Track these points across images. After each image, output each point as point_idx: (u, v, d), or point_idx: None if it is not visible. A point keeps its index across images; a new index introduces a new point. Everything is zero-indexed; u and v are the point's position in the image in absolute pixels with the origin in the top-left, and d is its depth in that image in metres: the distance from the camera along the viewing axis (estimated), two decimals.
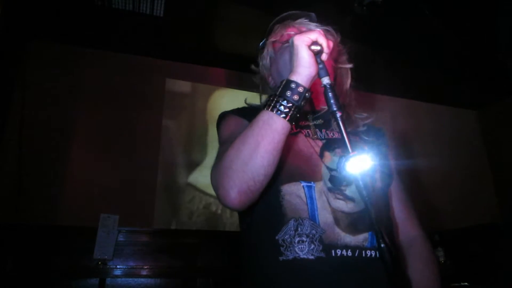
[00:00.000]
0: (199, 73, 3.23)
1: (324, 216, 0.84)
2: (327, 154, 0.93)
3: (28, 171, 2.44)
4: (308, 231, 0.82)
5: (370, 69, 3.10)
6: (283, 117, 0.77)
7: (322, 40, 0.80)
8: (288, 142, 0.92)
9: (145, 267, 2.42)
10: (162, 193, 2.81)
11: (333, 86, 0.78)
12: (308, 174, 0.89)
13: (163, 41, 2.92)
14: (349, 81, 1.06)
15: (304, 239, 0.81)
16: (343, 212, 0.86)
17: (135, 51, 3.00)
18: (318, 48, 0.80)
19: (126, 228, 2.50)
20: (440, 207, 3.35)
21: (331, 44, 0.82)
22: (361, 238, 0.84)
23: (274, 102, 0.78)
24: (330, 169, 0.89)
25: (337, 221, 0.84)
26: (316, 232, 0.82)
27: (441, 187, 3.50)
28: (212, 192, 2.91)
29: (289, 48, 0.85)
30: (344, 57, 1.07)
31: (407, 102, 3.84)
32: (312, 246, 0.81)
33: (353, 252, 0.82)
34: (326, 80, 0.78)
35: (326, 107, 1.00)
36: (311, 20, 1.04)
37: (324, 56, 0.81)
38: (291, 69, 0.81)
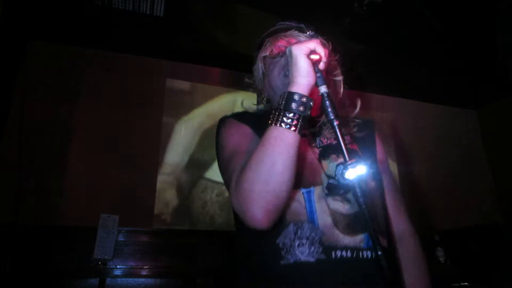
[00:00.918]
0: (199, 73, 3.23)
1: (323, 219, 0.86)
2: (323, 161, 0.95)
3: (28, 171, 2.43)
4: (308, 233, 0.83)
5: (370, 69, 3.11)
6: (293, 130, 0.77)
7: (320, 49, 0.81)
8: None
9: (145, 267, 2.42)
10: (162, 193, 2.81)
11: (330, 94, 0.78)
12: (308, 180, 0.90)
13: (163, 41, 2.92)
14: (341, 91, 1.07)
15: (304, 241, 0.82)
16: (341, 213, 0.87)
17: (135, 51, 3.00)
18: (317, 57, 0.81)
19: (126, 228, 2.50)
20: (440, 207, 3.35)
21: (326, 52, 0.83)
22: (358, 239, 0.85)
23: (280, 116, 0.78)
24: (328, 176, 0.91)
25: (335, 223, 0.86)
26: (316, 234, 0.83)
27: (441, 187, 3.50)
28: (212, 192, 2.92)
29: (285, 57, 0.86)
30: (337, 70, 1.06)
31: (407, 102, 3.84)
32: (312, 248, 0.82)
33: (352, 253, 0.83)
34: (323, 89, 0.79)
35: (319, 115, 1.02)
36: (301, 31, 1.03)
37: (321, 65, 0.82)
38: (289, 79, 0.81)
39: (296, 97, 0.78)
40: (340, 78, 1.05)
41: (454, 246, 2.86)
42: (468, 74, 3.33)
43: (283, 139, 0.76)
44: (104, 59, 2.94)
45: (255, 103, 1.13)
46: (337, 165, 0.74)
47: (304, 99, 0.78)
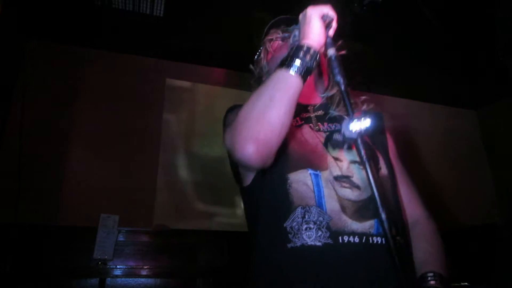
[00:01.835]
0: (199, 73, 3.23)
1: (331, 204, 0.85)
2: (330, 145, 0.95)
3: (28, 171, 2.43)
4: (316, 218, 0.83)
5: (370, 69, 3.11)
6: (297, 74, 0.80)
7: (332, 14, 0.86)
8: (294, 133, 0.96)
9: (145, 267, 2.43)
10: (162, 193, 2.80)
11: (338, 57, 0.82)
12: (315, 163, 0.90)
13: (163, 41, 2.92)
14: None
15: (312, 226, 0.82)
16: (349, 200, 0.87)
17: (135, 51, 3.00)
18: (329, 19, 0.86)
19: (126, 228, 2.50)
20: (440, 207, 3.35)
21: (335, 24, 0.88)
22: (368, 225, 0.85)
23: (287, 62, 0.82)
24: (335, 158, 0.91)
25: (343, 209, 0.85)
26: (323, 219, 0.83)
27: (441, 187, 3.50)
28: (212, 192, 2.92)
29: (292, 37, 0.93)
30: (342, 45, 1.09)
31: (407, 102, 3.84)
32: (320, 232, 0.82)
33: (360, 238, 0.82)
34: (331, 51, 0.83)
35: (324, 95, 1.05)
36: None
37: (331, 31, 0.87)
38: (301, 36, 0.85)
39: (304, 48, 0.82)
40: (344, 52, 1.07)
41: (454, 246, 2.85)
42: (468, 74, 3.33)
43: (284, 80, 0.80)
44: (104, 59, 2.94)
45: None
46: (344, 120, 0.76)
47: (312, 51, 0.82)
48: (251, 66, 1.17)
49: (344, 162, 0.91)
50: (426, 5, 2.44)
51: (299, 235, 0.82)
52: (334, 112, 1.03)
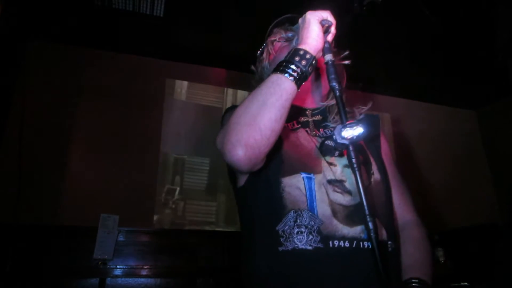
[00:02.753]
0: (199, 73, 3.23)
1: (322, 208, 0.86)
2: (324, 150, 0.95)
3: (28, 171, 2.43)
4: (307, 222, 0.84)
5: (370, 69, 3.11)
6: (291, 79, 0.80)
7: (332, 19, 0.87)
8: (290, 137, 0.96)
9: (145, 267, 2.43)
10: (162, 193, 2.81)
11: (334, 62, 0.83)
12: (308, 166, 0.91)
13: (163, 41, 2.92)
14: (344, 77, 1.08)
15: (303, 230, 0.83)
16: (340, 204, 0.87)
17: (135, 51, 3.00)
18: (328, 23, 0.86)
19: (126, 228, 2.50)
20: (440, 207, 3.35)
21: (334, 30, 0.88)
22: (359, 230, 0.85)
23: (282, 66, 0.82)
24: (329, 163, 0.92)
25: (334, 213, 0.86)
26: (315, 223, 0.83)
27: (441, 187, 3.50)
28: (212, 192, 2.92)
29: (295, 39, 0.92)
30: (343, 54, 1.08)
31: (407, 102, 3.84)
32: (310, 237, 0.82)
33: (351, 243, 0.83)
34: (328, 57, 0.83)
35: (324, 104, 1.05)
36: None
37: (329, 37, 0.86)
38: (299, 40, 0.85)
39: (301, 52, 0.82)
40: (347, 62, 1.07)
41: (454, 246, 2.86)
42: (467, 74, 3.33)
43: (279, 84, 0.80)
44: (104, 59, 2.94)
45: None
46: (336, 127, 0.76)
47: (308, 56, 0.81)
48: (252, 67, 1.17)
49: (337, 166, 0.92)
50: (426, 5, 2.44)
51: (290, 239, 0.82)
52: (330, 124, 1.04)
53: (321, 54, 0.85)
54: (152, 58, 3.08)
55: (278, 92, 0.79)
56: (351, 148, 0.74)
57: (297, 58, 0.81)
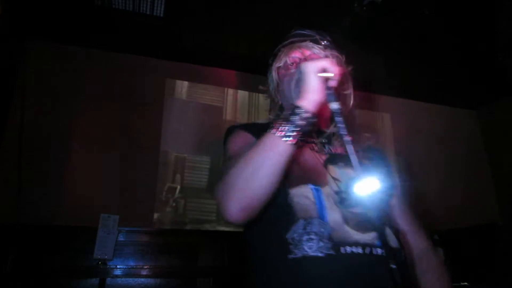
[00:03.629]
0: (199, 73, 3.22)
1: (333, 215, 0.85)
2: (330, 166, 0.95)
3: (28, 171, 2.44)
4: (317, 229, 0.83)
5: (370, 69, 3.11)
6: (289, 142, 0.79)
7: (332, 68, 0.82)
8: (295, 154, 0.95)
9: (145, 267, 2.43)
10: (162, 193, 2.81)
11: (342, 111, 0.79)
12: (315, 179, 0.91)
13: (163, 41, 2.92)
14: (351, 103, 1.08)
15: (313, 237, 0.82)
16: (351, 212, 0.87)
17: (135, 51, 3.00)
18: (328, 75, 0.82)
19: (126, 228, 2.50)
20: (440, 207, 3.35)
21: (340, 70, 0.84)
22: (371, 236, 0.84)
23: (281, 126, 0.80)
24: (334, 178, 0.92)
25: (346, 220, 0.85)
26: (325, 230, 0.83)
27: (441, 187, 3.50)
28: (212, 192, 2.92)
29: (297, 74, 0.88)
30: (348, 82, 1.07)
31: (407, 102, 3.84)
32: (321, 243, 0.81)
33: (364, 249, 0.82)
34: (335, 106, 0.79)
35: (330, 128, 1.04)
36: (316, 42, 1.05)
37: (333, 82, 0.82)
38: (299, 93, 0.82)
39: (300, 111, 0.80)
40: (349, 91, 1.07)
41: (454, 246, 2.86)
42: (468, 74, 3.33)
43: (276, 147, 0.79)
44: (104, 59, 2.94)
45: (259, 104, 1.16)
46: (349, 179, 0.76)
47: (307, 114, 0.80)
48: (260, 87, 1.18)
49: (343, 182, 0.92)
50: (426, 5, 2.44)
51: (300, 246, 0.81)
52: (333, 149, 1.03)
53: (323, 103, 0.82)
54: (152, 58, 3.08)
55: (273, 157, 0.78)
56: (371, 206, 0.71)
57: (295, 118, 0.79)
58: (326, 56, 1.01)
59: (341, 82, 1.04)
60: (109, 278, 2.32)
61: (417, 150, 3.62)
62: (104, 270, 2.32)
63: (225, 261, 2.59)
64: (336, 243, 0.81)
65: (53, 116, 2.67)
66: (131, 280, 2.37)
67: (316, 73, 0.81)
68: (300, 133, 0.80)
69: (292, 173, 0.90)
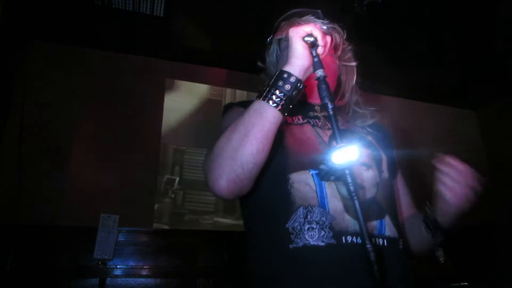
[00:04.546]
0: (199, 73, 3.23)
1: (334, 204, 0.84)
2: (335, 143, 0.94)
3: (28, 171, 2.44)
4: (318, 218, 0.82)
5: (370, 69, 3.10)
6: (274, 106, 0.77)
7: (317, 33, 0.81)
8: (294, 132, 0.94)
9: (145, 267, 2.43)
10: (162, 193, 2.81)
11: (325, 78, 0.78)
12: (317, 162, 0.87)
13: (163, 41, 2.92)
14: (354, 78, 1.08)
15: (314, 226, 0.81)
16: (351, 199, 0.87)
17: (135, 51, 3.00)
18: (312, 39, 0.80)
19: (126, 228, 2.50)
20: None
21: (328, 39, 0.84)
22: (372, 226, 0.84)
23: (266, 91, 0.78)
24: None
25: (347, 209, 0.84)
26: (326, 219, 0.82)
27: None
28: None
29: (284, 40, 0.87)
30: (349, 55, 1.07)
31: (407, 102, 3.84)
32: (322, 233, 0.80)
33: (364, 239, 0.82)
34: (320, 73, 0.79)
35: (336, 102, 1.02)
36: (318, 17, 1.04)
37: (320, 50, 0.82)
38: (285, 60, 0.81)
39: (285, 75, 0.78)
40: (353, 63, 1.06)
41: (454, 246, 2.86)
42: (468, 74, 3.33)
43: (262, 113, 0.77)
44: (104, 59, 2.94)
45: None
46: (328, 149, 0.73)
47: (292, 79, 0.78)
48: (260, 64, 1.14)
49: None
50: (426, 5, 2.44)
51: (301, 236, 0.80)
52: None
53: (311, 70, 0.81)
54: (152, 58, 3.08)
55: (260, 122, 0.76)
56: (347, 172, 0.70)
57: (280, 83, 0.78)
58: (328, 30, 1.00)
59: (341, 54, 1.05)
60: (109, 278, 2.32)
61: (417, 150, 3.61)
62: (104, 270, 2.32)
63: (225, 261, 2.59)
64: (337, 232, 0.81)
65: (53, 116, 2.67)
66: (131, 280, 2.37)
67: (300, 38, 0.80)
68: (288, 99, 0.78)
69: (292, 156, 0.88)
